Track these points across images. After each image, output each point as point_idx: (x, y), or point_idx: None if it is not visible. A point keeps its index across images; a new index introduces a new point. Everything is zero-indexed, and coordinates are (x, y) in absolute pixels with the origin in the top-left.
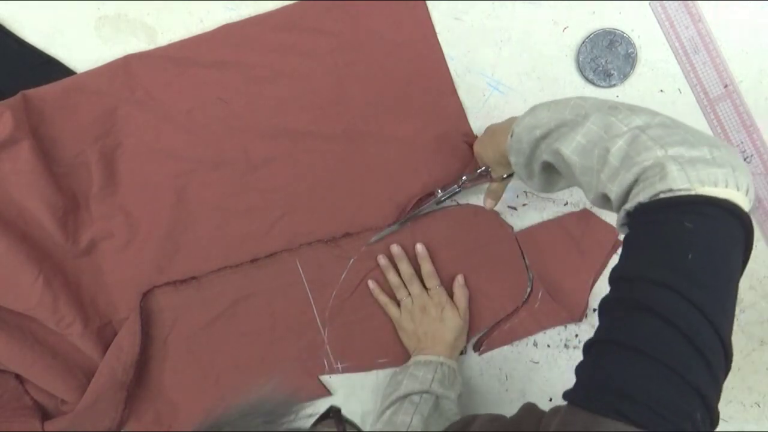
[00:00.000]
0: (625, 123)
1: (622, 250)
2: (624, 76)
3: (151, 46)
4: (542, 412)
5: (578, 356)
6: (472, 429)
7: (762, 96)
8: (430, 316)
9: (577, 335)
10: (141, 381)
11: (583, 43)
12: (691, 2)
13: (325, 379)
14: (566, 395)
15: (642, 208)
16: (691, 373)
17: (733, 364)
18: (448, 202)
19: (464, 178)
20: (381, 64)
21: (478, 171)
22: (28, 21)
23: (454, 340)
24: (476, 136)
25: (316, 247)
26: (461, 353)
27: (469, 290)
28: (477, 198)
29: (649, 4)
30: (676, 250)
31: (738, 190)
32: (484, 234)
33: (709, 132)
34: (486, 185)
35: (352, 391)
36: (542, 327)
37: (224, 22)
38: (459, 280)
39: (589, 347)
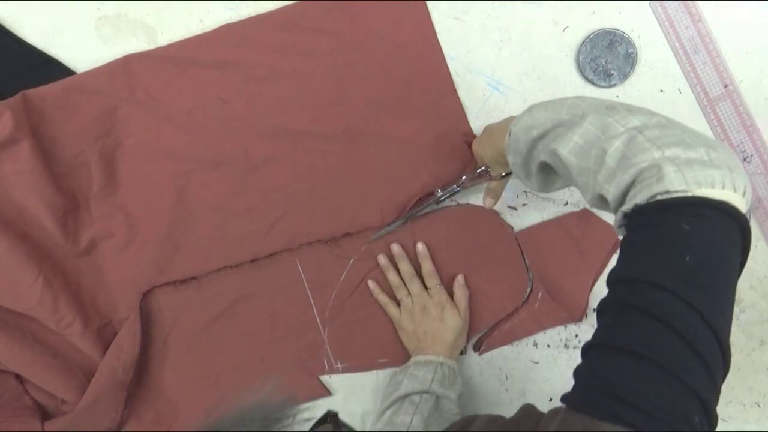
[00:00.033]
0: (622, 123)
1: (620, 252)
2: (624, 76)
3: (151, 46)
4: (541, 414)
5: (578, 356)
6: (472, 429)
7: (762, 96)
8: (430, 316)
9: (577, 335)
10: (141, 381)
11: (583, 43)
12: (691, 2)
13: (325, 379)
14: (565, 398)
15: (639, 210)
16: (689, 375)
17: (733, 364)
18: (447, 202)
19: (464, 177)
20: (381, 64)
21: (478, 170)
22: (28, 21)
23: (454, 339)
24: (476, 136)
25: (316, 247)
26: (461, 353)
27: (469, 290)
28: (477, 198)
29: (649, 4)
30: (674, 252)
31: (735, 191)
32: (484, 234)
33: (709, 132)
34: (485, 185)
35: (352, 391)
36: (542, 327)
37: (224, 22)
38: (459, 279)
39: (587, 350)
